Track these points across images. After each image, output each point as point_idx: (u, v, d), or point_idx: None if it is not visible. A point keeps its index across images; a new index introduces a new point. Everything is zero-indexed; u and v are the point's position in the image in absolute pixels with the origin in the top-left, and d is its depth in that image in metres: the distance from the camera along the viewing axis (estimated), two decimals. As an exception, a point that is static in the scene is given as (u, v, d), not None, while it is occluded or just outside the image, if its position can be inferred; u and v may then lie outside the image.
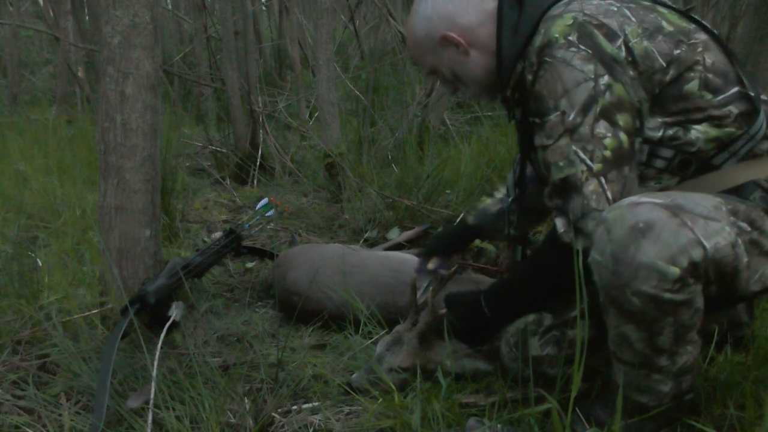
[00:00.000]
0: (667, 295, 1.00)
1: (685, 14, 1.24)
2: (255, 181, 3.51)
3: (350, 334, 1.72)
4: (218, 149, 3.78)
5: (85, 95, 5.02)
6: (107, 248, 1.61)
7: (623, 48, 1.12)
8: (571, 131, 1.12)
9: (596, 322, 1.26)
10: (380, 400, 1.36)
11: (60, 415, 1.34)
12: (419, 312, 1.48)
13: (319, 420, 1.35)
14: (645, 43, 1.13)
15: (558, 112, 1.13)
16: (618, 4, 1.19)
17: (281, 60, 6.34)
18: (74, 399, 1.41)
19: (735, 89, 1.15)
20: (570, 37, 1.13)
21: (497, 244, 2.29)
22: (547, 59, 1.14)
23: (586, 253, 1.10)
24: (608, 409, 1.23)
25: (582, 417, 1.24)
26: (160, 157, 1.70)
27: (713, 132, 1.14)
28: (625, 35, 1.13)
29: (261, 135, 3.65)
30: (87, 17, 5.67)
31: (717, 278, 1.03)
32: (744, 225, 1.07)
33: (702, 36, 1.18)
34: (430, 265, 1.70)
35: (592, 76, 1.11)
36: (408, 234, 2.45)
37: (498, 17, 1.28)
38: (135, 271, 1.64)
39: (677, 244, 0.99)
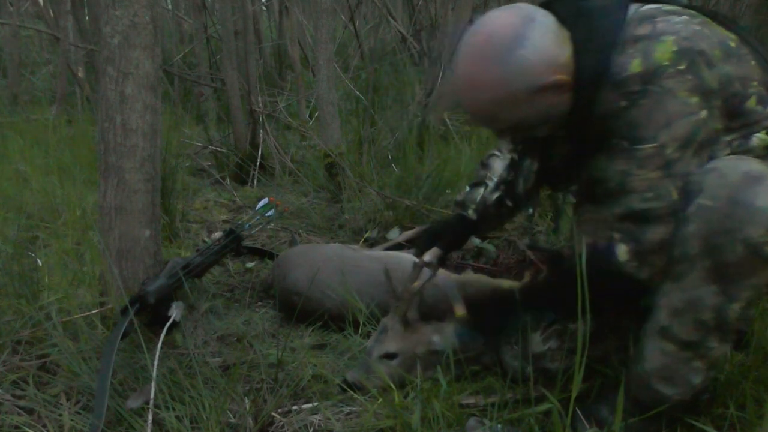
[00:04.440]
0: (766, 249, 1.01)
1: (725, 20, 1.23)
2: (255, 181, 3.51)
3: (350, 334, 1.72)
4: (218, 149, 3.78)
5: (85, 95, 5.01)
6: (107, 248, 1.61)
7: (716, 77, 1.11)
8: (668, 165, 1.11)
9: (596, 316, 1.26)
10: (380, 400, 1.36)
11: (60, 415, 1.34)
12: (399, 299, 1.51)
13: (319, 420, 1.35)
14: (726, 68, 1.13)
15: (655, 144, 1.11)
16: (694, 21, 1.16)
17: (281, 60, 6.33)
18: (74, 399, 1.41)
19: None
20: (680, 67, 1.10)
21: (497, 243, 2.29)
22: (653, 89, 1.10)
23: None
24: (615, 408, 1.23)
25: (583, 417, 1.24)
26: (160, 157, 1.70)
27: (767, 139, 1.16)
28: (715, 62, 1.12)
29: (261, 135, 3.64)
30: (87, 17, 5.67)
31: None
32: None
33: (745, 45, 1.19)
34: (427, 258, 1.58)
35: (695, 110, 1.10)
36: (408, 234, 2.45)
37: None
38: (135, 271, 1.64)
39: None
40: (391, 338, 1.49)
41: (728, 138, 1.16)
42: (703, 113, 1.10)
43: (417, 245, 1.68)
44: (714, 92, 1.11)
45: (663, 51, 1.11)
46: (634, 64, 1.12)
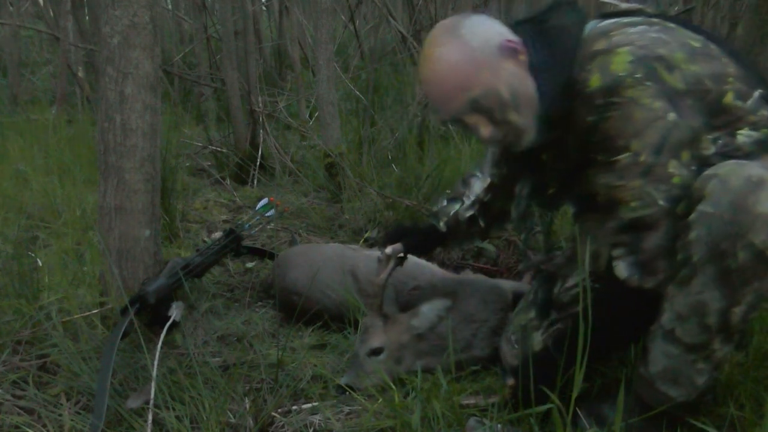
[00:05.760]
0: None
1: (689, 25, 1.25)
2: (255, 181, 3.51)
3: (350, 334, 1.73)
4: (218, 149, 3.78)
5: (85, 95, 5.01)
6: (107, 248, 1.61)
7: (680, 79, 1.13)
8: (646, 172, 1.12)
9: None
10: (380, 400, 1.36)
11: (60, 415, 1.34)
12: (369, 296, 1.55)
13: (319, 420, 1.35)
14: (692, 67, 1.14)
15: (630, 153, 1.13)
16: (652, 29, 1.18)
17: (281, 60, 6.33)
18: (74, 399, 1.41)
19: (757, 92, 1.17)
20: (637, 75, 1.12)
21: (497, 243, 2.29)
22: (616, 100, 1.13)
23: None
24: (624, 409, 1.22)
25: (584, 416, 1.24)
26: (160, 157, 1.70)
27: (755, 135, 1.16)
28: (677, 64, 1.13)
29: (261, 135, 3.65)
30: (87, 17, 5.66)
31: None
32: None
33: (713, 45, 1.20)
34: (388, 250, 1.60)
35: (662, 114, 1.11)
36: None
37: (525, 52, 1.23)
38: (135, 271, 1.64)
39: None
40: (374, 334, 1.51)
41: (711, 136, 1.16)
42: (671, 116, 1.11)
43: (383, 239, 1.71)
44: (681, 93, 1.12)
45: (618, 62, 1.13)
46: (593, 79, 1.15)
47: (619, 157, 1.14)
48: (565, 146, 1.29)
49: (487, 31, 1.22)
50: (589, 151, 1.21)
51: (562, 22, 1.24)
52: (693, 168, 1.14)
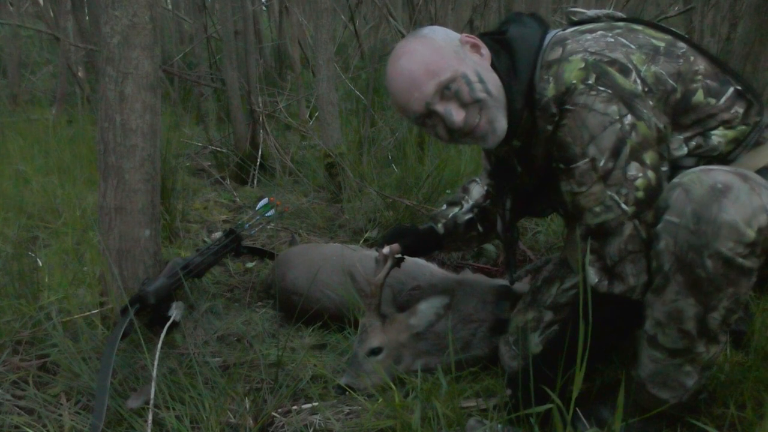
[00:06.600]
0: (739, 260, 1.01)
1: (657, 26, 1.26)
2: (255, 181, 3.51)
3: (350, 334, 1.73)
4: (218, 149, 3.78)
5: (85, 95, 5.01)
6: (107, 248, 1.61)
7: (638, 81, 1.12)
8: (605, 177, 1.12)
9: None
10: (380, 400, 1.36)
11: (60, 415, 1.34)
12: (367, 296, 1.55)
13: (319, 420, 1.35)
14: (653, 68, 1.14)
15: (587, 159, 1.13)
16: (609, 33, 1.19)
17: (281, 60, 6.34)
18: (74, 399, 1.41)
19: (731, 89, 1.17)
20: (589, 81, 1.12)
21: (496, 244, 2.29)
22: (569, 107, 1.14)
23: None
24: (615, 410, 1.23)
25: (583, 417, 1.24)
26: (160, 157, 1.70)
27: (730, 134, 1.16)
28: (635, 66, 1.13)
29: (261, 135, 3.65)
30: (87, 17, 5.67)
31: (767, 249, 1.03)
32: None
33: (682, 44, 1.20)
34: (386, 250, 1.59)
35: (617, 118, 1.11)
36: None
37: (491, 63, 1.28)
38: (135, 271, 1.64)
39: (752, 206, 1.00)
40: (372, 334, 1.51)
41: (682, 136, 1.16)
42: (628, 119, 1.11)
43: (382, 238, 1.71)
44: (639, 95, 1.12)
45: (571, 70, 1.14)
46: (549, 89, 1.16)
47: (578, 163, 1.15)
48: (533, 158, 1.31)
49: (446, 31, 1.30)
50: (553, 160, 1.22)
51: (521, 32, 1.27)
52: (664, 169, 1.13)
